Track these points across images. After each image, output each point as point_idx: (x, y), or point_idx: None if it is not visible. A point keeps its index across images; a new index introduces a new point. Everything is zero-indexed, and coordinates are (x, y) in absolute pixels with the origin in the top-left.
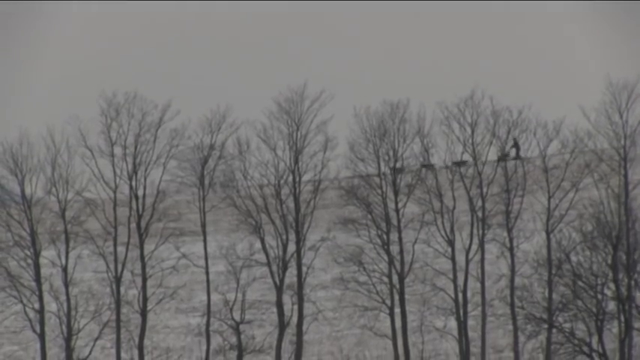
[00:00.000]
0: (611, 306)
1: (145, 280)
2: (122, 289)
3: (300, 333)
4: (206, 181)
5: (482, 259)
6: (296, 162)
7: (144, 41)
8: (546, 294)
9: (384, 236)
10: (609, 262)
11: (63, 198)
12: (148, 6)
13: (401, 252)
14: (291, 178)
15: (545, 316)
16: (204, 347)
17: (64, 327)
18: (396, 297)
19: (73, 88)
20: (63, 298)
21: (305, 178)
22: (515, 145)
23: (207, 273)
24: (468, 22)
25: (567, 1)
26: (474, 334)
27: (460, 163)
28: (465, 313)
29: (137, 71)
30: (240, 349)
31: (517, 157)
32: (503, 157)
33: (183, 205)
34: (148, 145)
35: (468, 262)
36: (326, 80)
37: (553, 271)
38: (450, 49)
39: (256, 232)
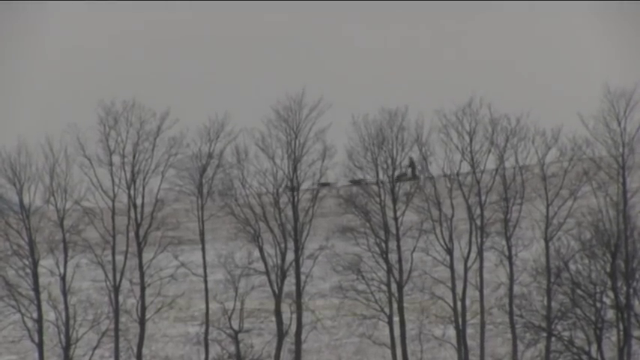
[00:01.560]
0: (610, 314)
1: (143, 289)
2: (121, 298)
3: (298, 342)
4: (204, 190)
5: (481, 268)
6: (294, 170)
7: (142, 50)
8: (545, 302)
9: (383, 244)
10: (608, 270)
11: (61, 207)
12: (145, 14)
13: (399, 260)
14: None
15: (544, 325)
16: (203, 356)
17: (62, 336)
18: (395, 305)
19: (72, 96)
20: (61, 307)
21: (303, 186)
22: (412, 164)
23: (205, 282)
24: (466, 30)
25: (565, 4)
26: (472, 343)
27: (357, 182)
28: (464, 321)
29: (135, 80)
30: (239, 358)
31: (413, 176)
32: (399, 178)
33: (182, 214)
34: (146, 154)
35: (466, 270)
36: (324, 88)
37: (552, 280)
38: (448, 57)
39: (255, 240)
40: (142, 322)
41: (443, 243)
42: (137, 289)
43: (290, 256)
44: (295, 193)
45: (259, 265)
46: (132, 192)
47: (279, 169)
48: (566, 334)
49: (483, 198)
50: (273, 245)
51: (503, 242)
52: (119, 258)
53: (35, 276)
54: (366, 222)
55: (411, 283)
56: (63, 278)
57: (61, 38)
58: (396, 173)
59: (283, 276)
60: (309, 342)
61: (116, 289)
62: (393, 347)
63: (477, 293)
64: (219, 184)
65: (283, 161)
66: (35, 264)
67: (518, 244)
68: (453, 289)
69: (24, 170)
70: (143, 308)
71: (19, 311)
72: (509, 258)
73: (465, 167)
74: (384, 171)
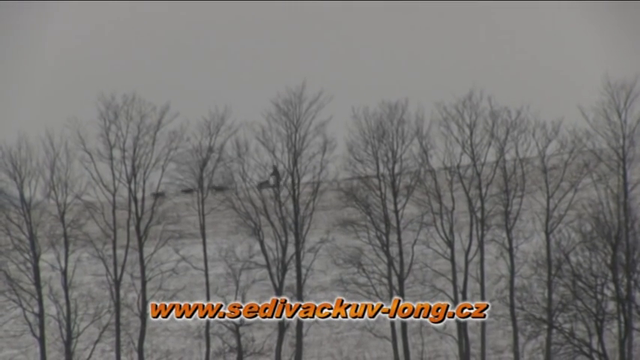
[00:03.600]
0: (611, 306)
1: (144, 283)
2: (122, 292)
3: (299, 335)
4: (205, 184)
5: (482, 260)
6: (295, 164)
7: (142, 44)
8: (546, 294)
9: (384, 237)
10: (609, 262)
11: (62, 201)
12: (145, 8)
13: (400, 253)
14: (290, 179)
15: (544, 317)
16: (204, 350)
17: (63, 330)
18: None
19: (72, 91)
20: (62, 301)
21: (304, 179)
22: (275, 172)
23: (206, 275)
24: (466, 23)
25: (565, 0)
26: (473, 335)
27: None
28: None
29: (135, 74)
30: (240, 352)
31: (276, 184)
32: (261, 185)
33: (182, 208)
34: (146, 148)
35: (467, 262)
36: (324, 81)
37: (552, 272)
38: (449, 49)
39: (255, 234)
40: (143, 316)
41: (443, 236)
42: (138, 283)
43: (291, 249)
44: (296, 187)
45: (260, 259)
46: (132, 186)
47: (280, 163)
48: (567, 326)
49: (484, 191)
50: (274, 239)
51: (504, 235)
52: (120, 252)
53: (36, 270)
54: (366, 215)
55: (412, 276)
56: (64, 272)
57: (61, 33)
58: (259, 181)
59: (284, 269)
60: (310, 335)
61: (117, 283)
62: (394, 340)
63: (478, 286)
64: (219, 178)
65: (284, 155)
66: (36, 258)
67: (519, 236)
68: (454, 282)
69: (24, 165)
70: (144, 302)
71: (21, 306)
72: (510, 250)
73: (466, 160)
74: (384, 164)
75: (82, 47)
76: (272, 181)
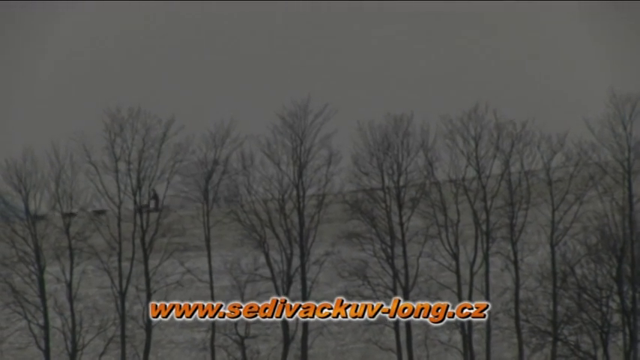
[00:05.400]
0: (616, 318)
1: (149, 296)
2: (127, 305)
3: (305, 347)
4: (210, 196)
5: (487, 273)
6: (300, 176)
7: (146, 56)
8: (551, 307)
9: (389, 250)
10: (614, 274)
11: (67, 213)
12: (150, 20)
13: (405, 266)
14: (295, 192)
15: (550, 329)
16: None
17: (68, 343)
18: None
19: (77, 103)
20: (68, 313)
21: (309, 192)
22: (155, 197)
23: (211, 288)
24: (471, 35)
25: (571, 9)
26: (478, 348)
27: (99, 212)
28: (470, 326)
29: (140, 86)
30: None
31: (156, 208)
32: (140, 209)
33: (188, 220)
34: (151, 161)
35: (472, 275)
36: (329, 94)
37: (558, 284)
38: (454, 62)
39: (260, 246)
40: (148, 328)
41: (449, 248)
42: (143, 296)
43: (296, 262)
44: (301, 199)
45: (265, 271)
46: (137, 198)
47: (285, 176)
48: (572, 338)
49: (489, 203)
50: (279, 251)
51: (509, 247)
52: (125, 265)
53: (41, 283)
54: (371, 227)
55: (417, 289)
56: (69, 285)
57: (66, 45)
58: (138, 205)
59: (289, 282)
60: (315, 348)
61: (122, 295)
62: (399, 352)
63: (483, 298)
64: (224, 191)
65: (289, 167)
66: (41, 271)
67: (524, 248)
68: (459, 294)
69: (30, 177)
70: (149, 314)
71: (26, 318)
72: (515, 263)
73: (471, 172)
74: (389, 176)
75: (88, 59)
76: (152, 204)
